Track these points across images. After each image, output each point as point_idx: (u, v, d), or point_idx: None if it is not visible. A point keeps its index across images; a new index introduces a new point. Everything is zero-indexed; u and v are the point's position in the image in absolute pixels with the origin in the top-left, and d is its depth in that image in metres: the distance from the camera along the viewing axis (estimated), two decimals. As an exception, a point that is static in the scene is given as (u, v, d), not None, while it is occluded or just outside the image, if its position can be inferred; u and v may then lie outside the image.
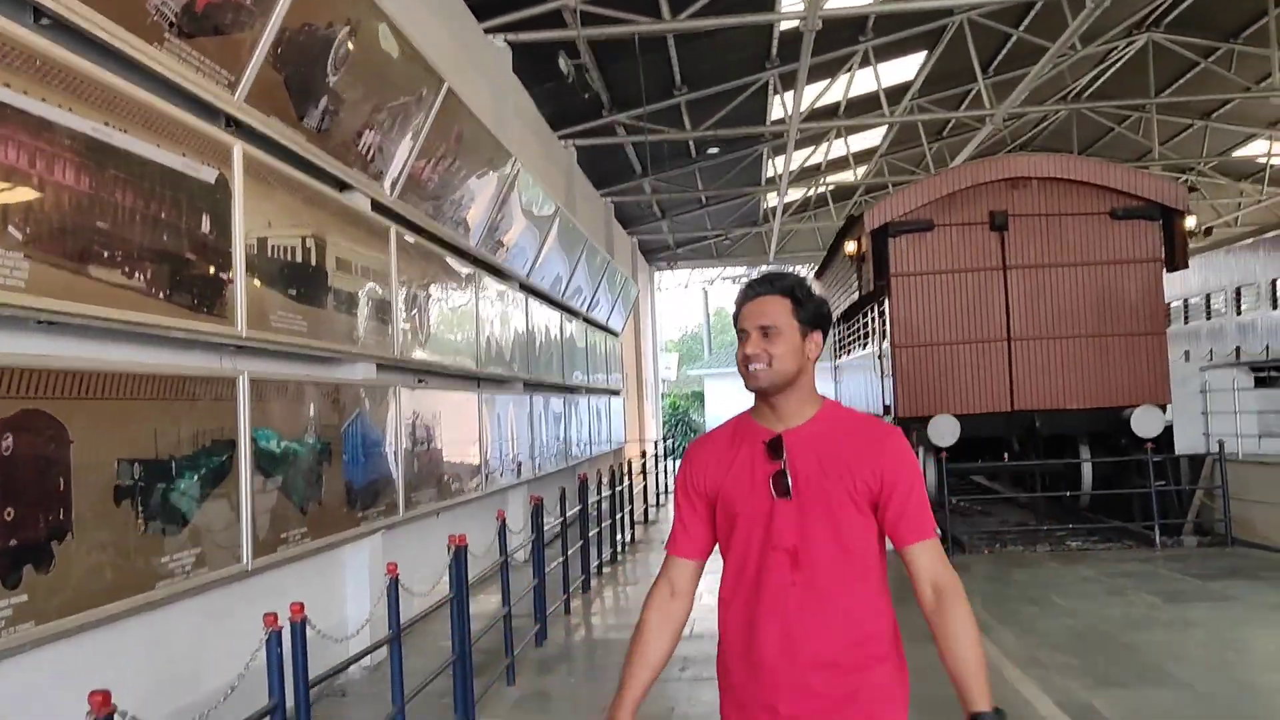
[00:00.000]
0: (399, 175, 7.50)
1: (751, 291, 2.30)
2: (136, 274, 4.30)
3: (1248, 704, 5.43)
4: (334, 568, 6.70)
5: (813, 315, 2.27)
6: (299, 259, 5.89)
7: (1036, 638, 6.84)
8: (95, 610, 3.86)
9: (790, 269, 30.52)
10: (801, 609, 2.18)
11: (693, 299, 46.03)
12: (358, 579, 6.72)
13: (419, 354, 7.94)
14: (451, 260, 8.90)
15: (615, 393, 18.47)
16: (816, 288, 2.43)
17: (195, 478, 4.70)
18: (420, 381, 8.37)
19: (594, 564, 9.94)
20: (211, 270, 4.89)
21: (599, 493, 10.71)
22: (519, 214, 10.83)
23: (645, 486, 15.87)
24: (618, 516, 11.39)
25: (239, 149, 5.12)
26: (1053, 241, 11.31)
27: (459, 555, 5.30)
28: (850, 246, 12.57)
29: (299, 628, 3.52)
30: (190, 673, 4.82)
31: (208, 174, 4.93)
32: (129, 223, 4.22)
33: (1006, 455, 11.92)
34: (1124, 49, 17.98)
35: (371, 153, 6.98)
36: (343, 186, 6.76)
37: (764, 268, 30.70)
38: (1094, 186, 11.27)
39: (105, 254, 4.06)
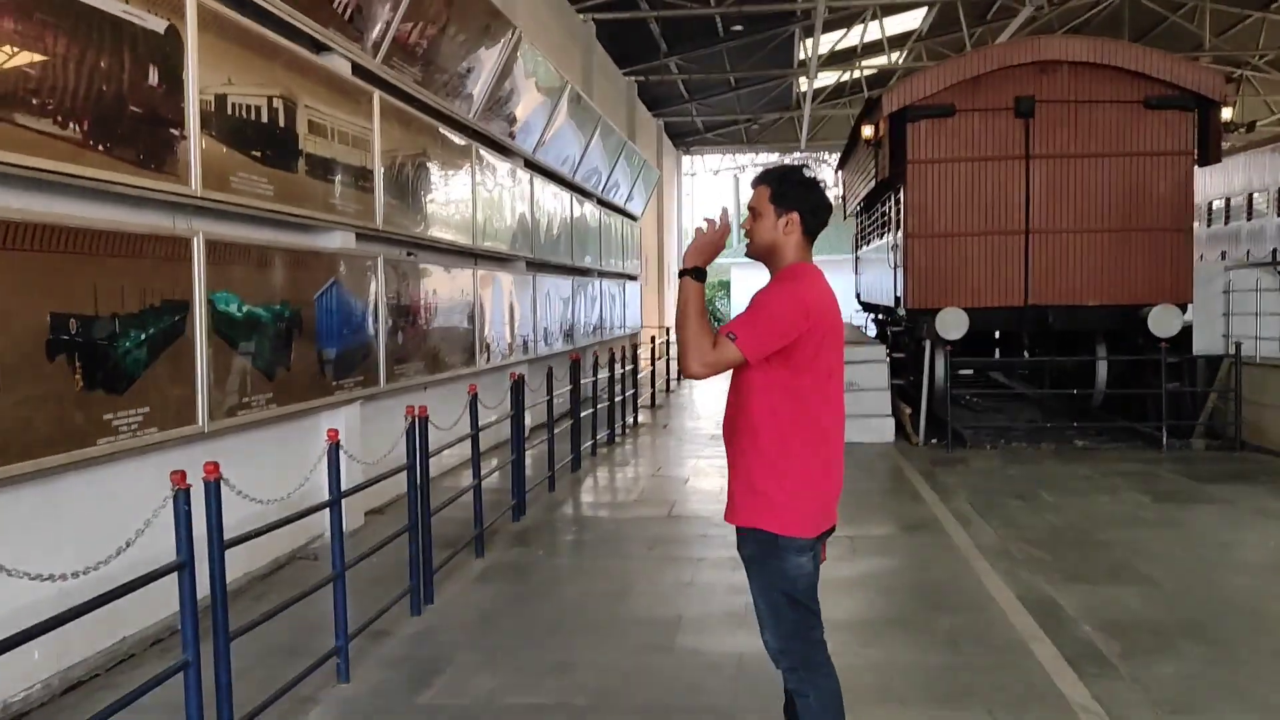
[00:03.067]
0: (383, 38, 7.24)
1: (753, 181, 2.97)
2: (71, 124, 4.18)
3: (1213, 604, 5.28)
4: (311, 435, 6.71)
5: (788, 200, 2.85)
6: (265, 119, 5.74)
7: (1014, 531, 6.74)
8: (24, 463, 3.85)
9: (813, 158, 29.74)
10: (730, 416, 2.94)
11: (725, 186, 45.19)
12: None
13: (406, 226, 7.79)
14: (446, 131, 8.66)
15: (632, 277, 18.25)
16: (809, 175, 2.99)
17: (143, 336, 4.64)
18: (410, 255, 8.24)
19: (586, 444, 9.92)
20: (160, 125, 4.76)
21: (594, 374, 10.61)
22: (525, 88, 10.50)
23: (653, 371, 15.80)
24: (617, 400, 11.33)
25: (193, -1, 4.93)
26: (1081, 130, 10.79)
27: (416, 426, 5.25)
28: (868, 131, 12.10)
29: (213, 486, 3.47)
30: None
31: (155, 24, 4.76)
32: (61, 71, 4.08)
33: (1026, 353, 11.64)
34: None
35: (349, 12, 6.72)
36: (320, 48, 6.54)
37: (795, 155, 30.01)
38: (1128, 73, 10.69)
39: (34, 102, 3.93)
